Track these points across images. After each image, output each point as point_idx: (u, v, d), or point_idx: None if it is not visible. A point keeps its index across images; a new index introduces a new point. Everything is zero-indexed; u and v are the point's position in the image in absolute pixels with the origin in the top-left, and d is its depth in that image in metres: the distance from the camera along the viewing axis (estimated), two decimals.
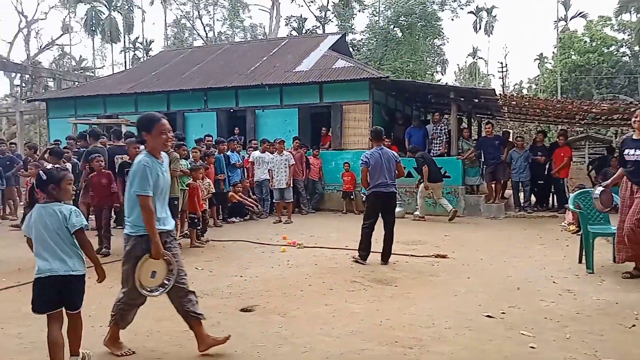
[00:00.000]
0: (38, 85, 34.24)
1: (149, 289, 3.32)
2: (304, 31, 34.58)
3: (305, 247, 7.29)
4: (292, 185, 10.24)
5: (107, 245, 6.89)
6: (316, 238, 8.02)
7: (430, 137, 11.97)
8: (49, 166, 7.02)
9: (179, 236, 7.50)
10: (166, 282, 3.35)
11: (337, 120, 12.64)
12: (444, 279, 5.47)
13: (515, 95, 15.86)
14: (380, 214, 6.26)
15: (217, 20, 41.31)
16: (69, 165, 7.95)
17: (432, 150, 11.78)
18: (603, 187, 5.56)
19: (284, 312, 4.26)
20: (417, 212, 10.36)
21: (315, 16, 35.50)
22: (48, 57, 42.70)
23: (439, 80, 33.32)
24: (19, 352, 3.42)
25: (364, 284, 5.22)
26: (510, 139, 12.84)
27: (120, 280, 3.52)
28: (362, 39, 29.73)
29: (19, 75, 34.33)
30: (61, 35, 40.98)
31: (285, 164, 10.15)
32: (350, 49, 21.38)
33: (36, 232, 3.10)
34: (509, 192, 12.39)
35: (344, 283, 5.28)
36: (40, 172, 3.22)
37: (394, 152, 6.60)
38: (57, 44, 41.57)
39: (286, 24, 36.56)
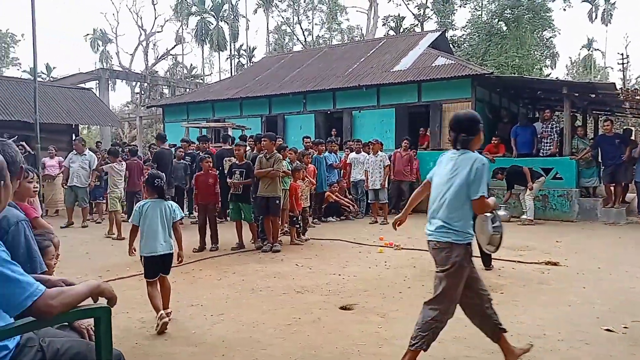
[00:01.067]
0: (155, 92, 37.55)
1: None
2: (401, 30, 34.13)
3: (403, 248, 7.19)
4: (391, 185, 10.16)
5: (215, 241, 7.36)
6: (414, 240, 7.86)
7: (539, 136, 11.17)
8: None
9: (280, 234, 7.81)
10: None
11: (436, 120, 12.30)
12: (556, 287, 5.08)
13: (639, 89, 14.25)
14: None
15: (316, 24, 42.31)
16: (123, 165, 9.00)
17: (541, 150, 10.99)
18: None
19: (384, 312, 4.23)
20: (524, 216, 9.73)
21: (414, 14, 34.87)
22: (163, 67, 46.55)
23: (548, 75, 31.01)
24: (142, 335, 3.76)
25: None
26: (633, 137, 11.58)
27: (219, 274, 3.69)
28: (463, 35, 28.60)
29: (138, 83, 37.93)
30: (175, 46, 44.61)
31: (380, 165, 10.10)
32: (451, 46, 20.68)
33: (149, 221, 3.97)
34: (630, 195, 11.17)
35: None
36: (152, 173, 4.09)
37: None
38: (171, 54, 45.33)
39: (383, 24, 36.33)
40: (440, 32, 17.60)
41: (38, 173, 9.98)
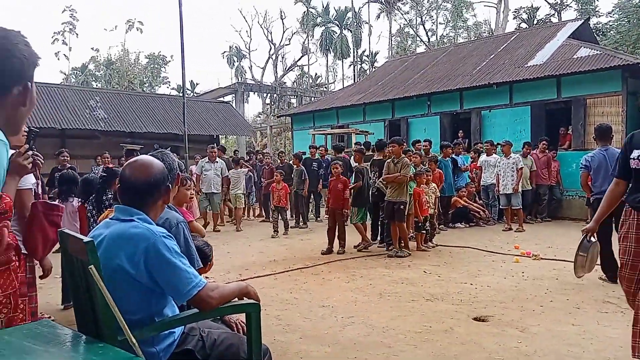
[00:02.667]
0: (283, 102, 39.70)
1: None
2: (535, 22, 31.65)
3: (542, 258, 6.64)
4: (529, 190, 9.50)
5: (342, 244, 7.52)
6: (555, 249, 7.23)
7: None
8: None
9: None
10: None
11: (579, 117, 11.17)
12: None
13: None
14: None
15: (440, 23, 41.17)
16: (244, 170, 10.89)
17: None
18: (588, 235, 3.54)
19: (523, 326, 3.95)
20: None
21: (549, 3, 32.10)
22: (290, 77, 48.99)
23: None
24: (279, 332, 3.98)
25: (620, 307, 4.46)
26: None
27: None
28: (609, 22, 25.59)
29: (269, 95, 40.44)
30: (301, 57, 46.74)
31: (512, 168, 9.45)
32: (595, 35, 18.64)
33: None
34: None
35: (594, 303, 4.62)
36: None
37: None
38: (297, 65, 47.60)
39: (514, 17, 34.03)
40: (582, 20, 15.95)
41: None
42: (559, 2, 31.47)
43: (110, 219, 1.85)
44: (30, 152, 2.21)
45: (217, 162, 10.34)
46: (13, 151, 1.97)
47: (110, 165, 9.44)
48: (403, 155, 7.27)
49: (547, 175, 10.42)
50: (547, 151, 10.45)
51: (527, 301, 4.68)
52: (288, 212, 10.22)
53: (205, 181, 10.07)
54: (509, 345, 3.55)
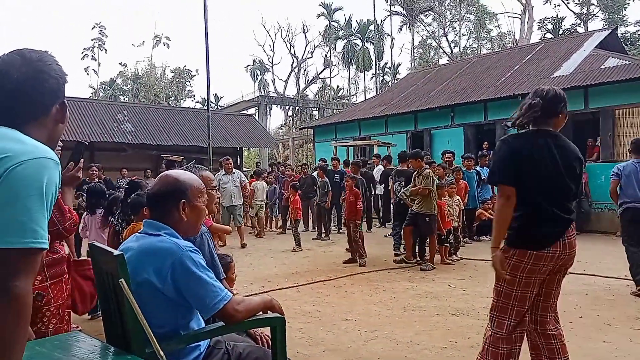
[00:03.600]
0: (305, 114, 39.96)
1: None
2: (560, 32, 31.24)
3: (571, 273, 6.45)
4: None
5: (360, 255, 7.48)
6: (584, 264, 7.02)
7: None
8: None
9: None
10: None
11: (608, 128, 10.92)
12: None
13: None
14: None
15: (463, 35, 40.96)
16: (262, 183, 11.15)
17: None
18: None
19: None
20: None
21: (575, 13, 31.70)
22: (313, 90, 49.32)
23: None
24: (302, 345, 3.97)
25: None
26: None
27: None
28: (637, 31, 25.09)
29: (291, 107, 40.78)
30: (323, 69, 47.09)
31: None
32: (623, 45, 18.29)
33: None
34: None
35: (626, 319, 4.47)
36: None
37: None
38: (320, 78, 47.94)
39: (539, 28, 33.68)
40: (610, 30, 15.68)
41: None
42: (585, 12, 31.02)
43: (139, 233, 1.89)
44: (80, 165, 2.49)
45: (234, 173, 10.06)
46: None
47: (134, 178, 9.61)
48: (426, 166, 7.30)
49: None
50: None
51: None
52: (302, 224, 10.29)
53: (225, 194, 9.62)
54: None
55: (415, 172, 7.31)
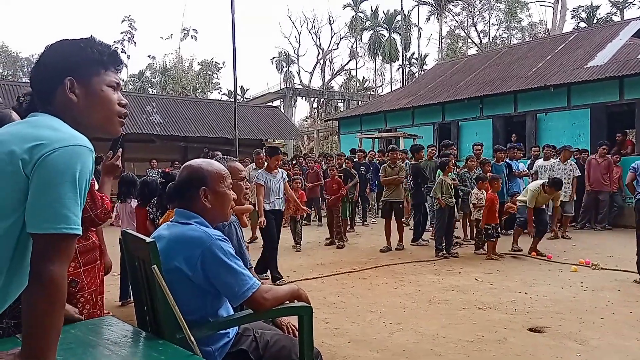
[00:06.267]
0: (330, 106, 39.85)
1: None
2: (595, 21, 30.21)
3: (602, 268, 6.31)
4: (586, 197, 9.08)
5: (340, 238, 8.40)
6: (616, 259, 6.85)
7: None
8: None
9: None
10: None
11: None
12: None
13: None
14: None
15: (492, 24, 40.03)
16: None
17: None
18: None
19: (582, 339, 3.76)
20: None
21: (611, 1, 30.60)
22: (338, 81, 49.09)
23: None
24: (327, 335, 3.98)
25: None
26: None
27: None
28: None
29: (316, 99, 40.70)
30: (349, 61, 46.78)
31: (568, 174, 9.05)
32: None
33: None
34: None
35: None
36: None
37: None
38: (345, 69, 47.68)
39: (572, 17, 32.67)
40: None
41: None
42: (622, 0, 29.93)
43: (171, 221, 1.92)
44: (118, 154, 2.56)
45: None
46: None
47: (167, 170, 9.59)
48: (399, 160, 8.46)
49: (609, 181, 9.89)
50: (608, 156, 9.92)
51: (587, 313, 4.45)
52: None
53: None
54: (568, 359, 3.39)
55: (387, 164, 8.33)
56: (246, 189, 2.52)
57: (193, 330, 1.66)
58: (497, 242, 7.39)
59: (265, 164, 7.24)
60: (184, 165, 2.00)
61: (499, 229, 9.28)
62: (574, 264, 6.49)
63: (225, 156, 2.50)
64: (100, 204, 2.44)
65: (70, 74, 1.24)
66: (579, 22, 32.05)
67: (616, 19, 27.96)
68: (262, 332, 1.94)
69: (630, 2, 29.84)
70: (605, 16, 30.92)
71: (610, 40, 13.26)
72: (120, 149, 2.56)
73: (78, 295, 2.43)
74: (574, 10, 32.73)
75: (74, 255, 2.31)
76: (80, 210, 1.15)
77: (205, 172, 1.90)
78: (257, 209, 6.10)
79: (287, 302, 1.90)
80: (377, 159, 11.71)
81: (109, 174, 2.61)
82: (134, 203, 5.12)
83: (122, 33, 44.91)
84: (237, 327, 1.89)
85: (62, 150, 1.11)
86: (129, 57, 45.28)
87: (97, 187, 2.56)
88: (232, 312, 1.91)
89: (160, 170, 12.90)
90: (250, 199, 5.44)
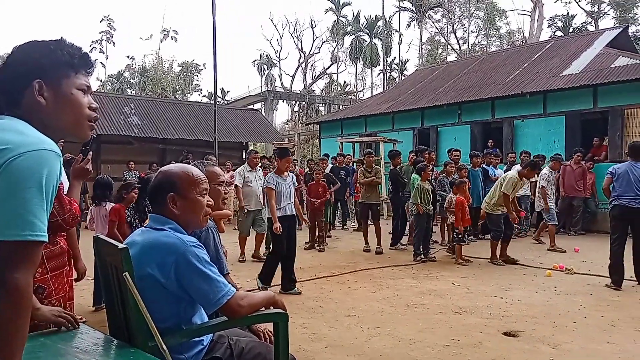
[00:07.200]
0: (311, 110, 39.86)
1: None
2: (570, 30, 30.95)
3: (575, 273, 6.45)
4: (561, 202, 9.27)
5: (320, 242, 8.59)
6: (589, 264, 7.01)
7: None
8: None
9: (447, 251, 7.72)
10: None
11: (616, 128, 10.85)
12: None
13: None
14: (632, 231, 5.66)
15: (472, 31, 40.66)
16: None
17: None
18: None
19: (555, 343, 3.83)
20: None
21: (586, 11, 31.40)
22: (319, 85, 49.18)
23: None
24: (304, 340, 3.97)
25: None
26: None
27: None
28: None
29: (297, 102, 40.69)
30: (330, 65, 46.91)
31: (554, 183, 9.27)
32: (635, 44, 18.11)
33: None
34: None
35: (630, 320, 4.45)
36: None
37: None
38: (327, 73, 47.80)
39: (549, 26, 33.38)
40: (621, 28, 15.54)
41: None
42: (597, 10, 30.72)
43: (145, 227, 1.89)
44: (89, 158, 2.54)
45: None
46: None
47: (143, 174, 9.47)
48: (376, 165, 8.77)
49: (582, 187, 10.12)
50: (582, 162, 10.15)
51: (560, 317, 4.54)
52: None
53: (250, 196, 7.57)
54: None
55: (363, 168, 8.50)
56: (225, 193, 2.50)
57: (166, 337, 1.63)
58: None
59: (259, 164, 7.99)
60: (159, 169, 1.98)
61: (473, 234, 9.48)
62: (549, 269, 6.61)
63: (203, 161, 2.47)
64: (69, 209, 2.37)
65: (39, 76, 1.21)
66: (555, 31, 32.78)
67: (591, 28, 28.71)
68: (237, 339, 1.92)
69: (605, 13, 30.68)
70: (581, 25, 31.70)
71: (585, 49, 13.59)
72: (91, 152, 2.52)
73: (46, 302, 2.37)
74: (550, 19, 33.44)
75: (41, 261, 2.25)
76: (47, 216, 1.12)
77: (175, 178, 1.85)
78: (266, 215, 6.20)
79: (264, 308, 1.89)
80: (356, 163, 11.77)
81: (78, 178, 2.58)
82: (108, 206, 5.03)
83: (100, 33, 44.12)
84: (211, 334, 1.87)
85: (28, 154, 1.08)
86: (107, 57, 44.53)
87: (65, 191, 2.50)
88: (206, 319, 1.88)
89: (137, 173, 12.74)
90: (228, 204, 5.36)
